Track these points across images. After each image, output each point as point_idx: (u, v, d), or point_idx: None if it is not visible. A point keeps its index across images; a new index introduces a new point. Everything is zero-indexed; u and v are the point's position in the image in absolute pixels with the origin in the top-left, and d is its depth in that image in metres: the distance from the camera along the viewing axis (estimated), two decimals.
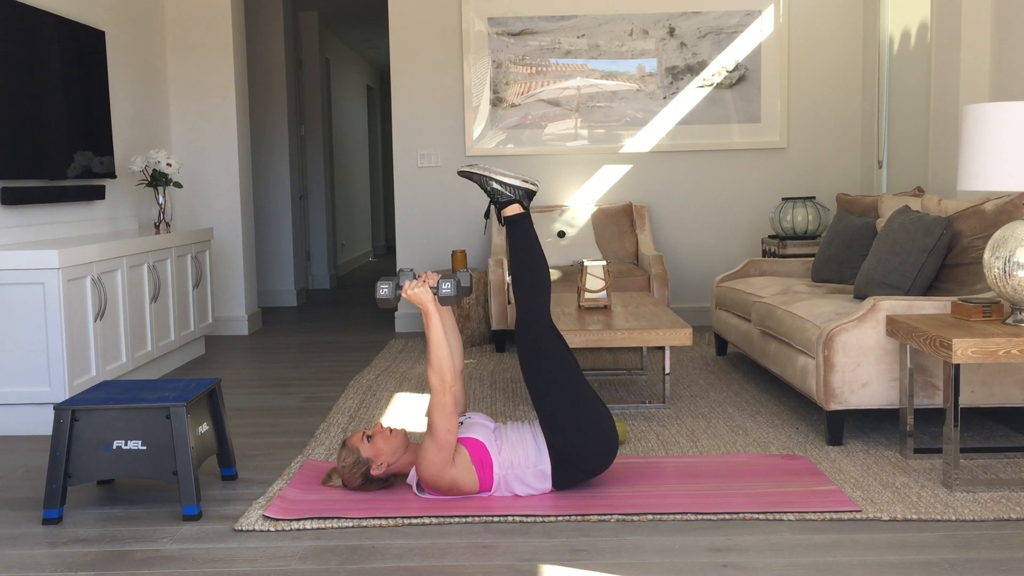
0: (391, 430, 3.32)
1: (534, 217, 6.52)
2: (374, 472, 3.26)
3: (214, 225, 6.95)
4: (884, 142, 6.53)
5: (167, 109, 6.82)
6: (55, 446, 3.13)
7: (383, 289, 3.19)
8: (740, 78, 6.82)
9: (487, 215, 3.55)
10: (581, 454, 3.20)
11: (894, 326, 3.60)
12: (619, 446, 3.71)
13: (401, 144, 6.94)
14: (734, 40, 6.79)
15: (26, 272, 4.22)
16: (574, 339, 4.34)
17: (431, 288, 3.21)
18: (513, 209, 3.25)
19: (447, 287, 3.18)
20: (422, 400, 4.77)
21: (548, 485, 3.26)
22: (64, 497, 3.15)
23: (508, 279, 3.15)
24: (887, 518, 3.02)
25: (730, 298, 5.30)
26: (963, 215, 4.16)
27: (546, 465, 3.22)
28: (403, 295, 3.18)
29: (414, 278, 3.23)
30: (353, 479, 3.29)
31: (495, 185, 3.27)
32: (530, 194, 3.27)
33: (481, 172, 3.27)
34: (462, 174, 3.33)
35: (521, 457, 3.22)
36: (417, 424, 4.32)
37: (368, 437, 3.28)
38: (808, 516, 3.04)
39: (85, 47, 5.37)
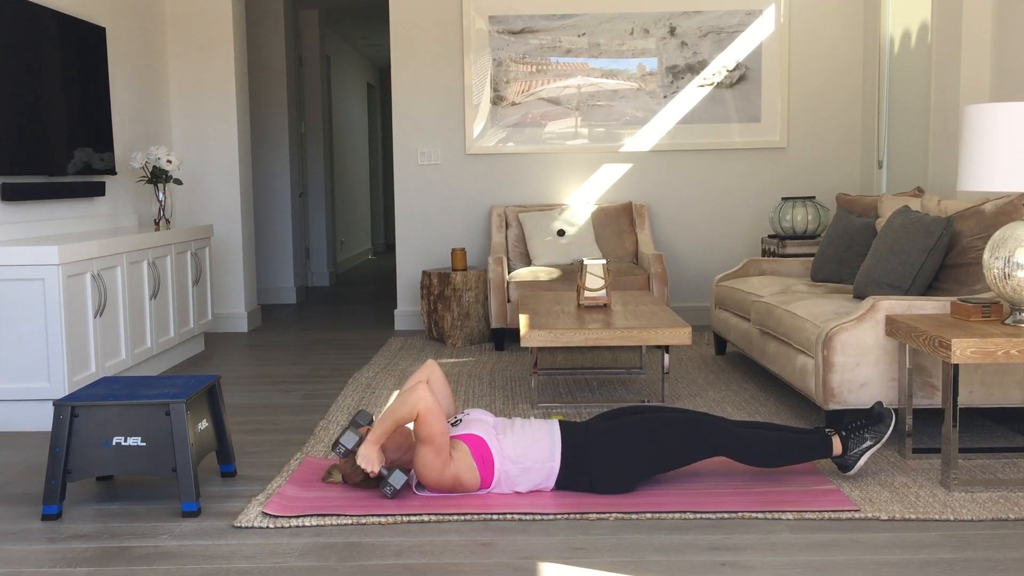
0: None
1: (535, 216, 6.53)
2: None
3: (214, 222, 6.95)
4: (884, 142, 6.53)
5: (167, 106, 6.82)
6: (54, 442, 3.13)
7: (343, 449, 3.24)
8: (740, 77, 6.82)
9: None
10: (604, 483, 3.24)
11: (893, 326, 3.61)
12: None
13: (401, 142, 6.94)
14: (735, 39, 6.79)
15: (26, 268, 4.23)
16: (574, 338, 4.34)
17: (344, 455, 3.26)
18: (836, 443, 3.36)
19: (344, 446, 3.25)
20: None
21: (552, 484, 3.26)
22: (63, 493, 3.15)
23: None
24: (885, 517, 3.02)
25: (729, 297, 5.30)
26: (963, 215, 4.16)
27: (556, 462, 3.23)
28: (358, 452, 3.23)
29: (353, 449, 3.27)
30: (354, 475, 3.30)
31: (868, 425, 3.37)
32: (844, 467, 3.36)
33: (889, 428, 3.37)
34: (877, 411, 3.41)
35: (529, 451, 3.23)
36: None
37: None
38: (806, 515, 3.05)
39: (86, 43, 5.37)
